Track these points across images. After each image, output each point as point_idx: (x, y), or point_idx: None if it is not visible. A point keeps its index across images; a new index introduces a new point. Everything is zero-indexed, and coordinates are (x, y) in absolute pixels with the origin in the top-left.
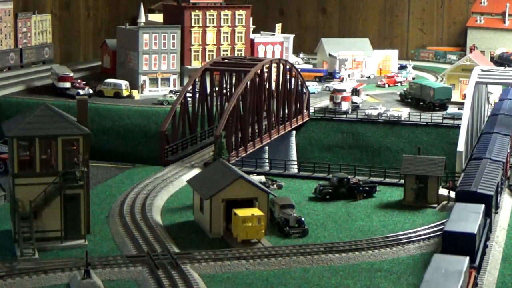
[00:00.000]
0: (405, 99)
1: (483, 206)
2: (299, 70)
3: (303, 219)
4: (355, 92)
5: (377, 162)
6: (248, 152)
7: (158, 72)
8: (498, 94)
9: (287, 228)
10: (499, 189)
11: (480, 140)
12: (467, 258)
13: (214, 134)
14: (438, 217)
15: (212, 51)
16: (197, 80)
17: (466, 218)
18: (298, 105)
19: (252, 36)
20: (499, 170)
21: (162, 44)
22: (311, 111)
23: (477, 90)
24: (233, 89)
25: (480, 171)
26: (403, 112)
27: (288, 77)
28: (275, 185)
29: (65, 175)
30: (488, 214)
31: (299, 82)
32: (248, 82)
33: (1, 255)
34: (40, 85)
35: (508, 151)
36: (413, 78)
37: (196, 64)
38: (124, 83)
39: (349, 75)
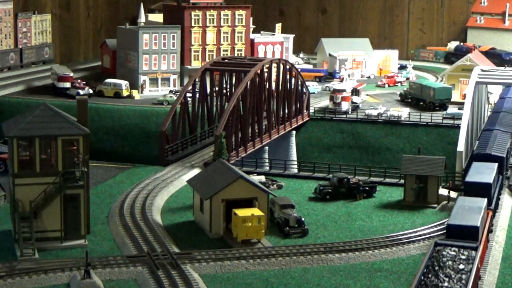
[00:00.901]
0: (405, 99)
1: (496, 164)
2: (299, 70)
3: (303, 219)
4: (355, 92)
5: (377, 162)
6: (248, 152)
7: (158, 72)
8: (498, 94)
9: (287, 228)
10: (509, 154)
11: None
12: (485, 200)
13: (214, 134)
14: (438, 217)
15: (212, 51)
16: (197, 80)
17: (484, 172)
18: (298, 105)
19: (252, 36)
20: (508, 138)
21: (162, 44)
22: (311, 111)
23: (477, 90)
24: (233, 89)
25: (492, 139)
26: (403, 112)
27: (288, 77)
28: (275, 185)
29: (65, 175)
30: (500, 171)
31: (299, 82)
32: (248, 82)
33: (1, 255)
34: (40, 85)
35: (509, 146)
36: (413, 78)
37: (196, 64)
38: (124, 83)
39: (349, 75)
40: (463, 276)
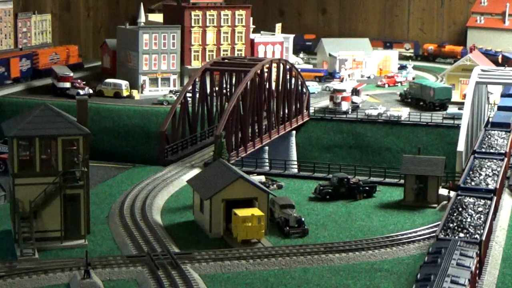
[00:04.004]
0: (405, 99)
1: None
2: (299, 70)
3: (303, 219)
4: (355, 92)
5: (377, 162)
6: (248, 152)
7: (158, 72)
8: (498, 94)
9: (287, 228)
10: None
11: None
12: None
13: (214, 134)
14: (438, 217)
15: (212, 51)
16: (197, 80)
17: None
18: (298, 105)
19: (252, 36)
20: None
21: (162, 44)
22: (311, 111)
23: (477, 90)
24: (233, 89)
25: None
26: (403, 112)
27: (288, 77)
28: (275, 185)
29: (65, 175)
30: None
31: (299, 82)
32: (248, 82)
33: (1, 255)
34: (40, 85)
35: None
36: (413, 78)
37: (196, 64)
38: (124, 83)
39: (349, 75)
40: (482, 216)
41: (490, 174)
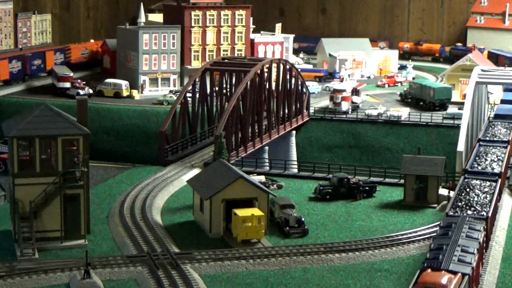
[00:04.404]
0: (405, 99)
1: None
2: (299, 70)
3: (303, 219)
4: (355, 92)
5: (377, 162)
6: (248, 152)
7: (158, 72)
8: (498, 94)
9: (287, 228)
10: None
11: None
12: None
13: (214, 134)
14: (438, 217)
15: (212, 51)
16: (197, 80)
17: None
18: (298, 105)
19: (252, 36)
20: None
21: (162, 44)
22: (311, 111)
23: (477, 90)
24: (233, 89)
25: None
26: (403, 112)
27: (288, 77)
28: (275, 185)
29: (65, 175)
30: None
31: (299, 82)
32: (248, 82)
33: (1, 255)
34: (40, 85)
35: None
36: (413, 78)
37: (196, 64)
38: (124, 83)
39: (349, 75)
40: (488, 196)
41: (495, 160)
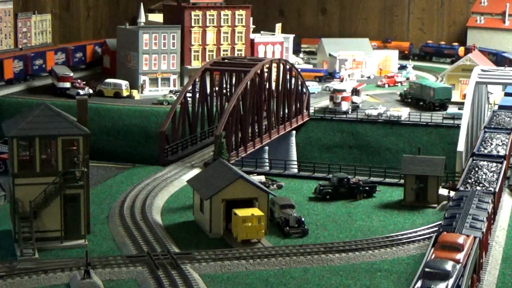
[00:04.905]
0: (405, 99)
1: None
2: (299, 70)
3: (303, 219)
4: (355, 92)
5: (377, 162)
6: (248, 152)
7: (158, 72)
8: (498, 94)
9: (287, 228)
10: None
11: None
12: None
13: (214, 134)
14: (438, 217)
15: (212, 51)
16: (197, 80)
17: None
18: (298, 105)
19: (252, 36)
20: None
21: (162, 44)
22: (311, 111)
23: (477, 90)
24: (233, 89)
25: None
26: (403, 112)
27: (288, 77)
28: (275, 185)
29: (65, 175)
30: None
31: (299, 82)
32: (248, 82)
33: (1, 255)
34: (40, 85)
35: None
36: (413, 78)
37: (196, 64)
38: (124, 83)
39: (349, 75)
40: (495, 174)
41: (500, 144)
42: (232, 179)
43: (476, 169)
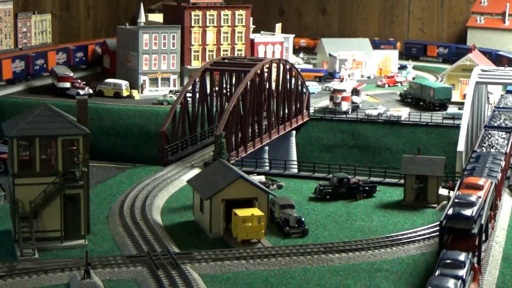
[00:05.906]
0: (405, 99)
1: None
2: (299, 70)
3: (303, 219)
4: (355, 92)
5: (377, 162)
6: (248, 152)
7: (158, 72)
8: (498, 94)
9: (287, 228)
10: None
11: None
12: None
13: (214, 134)
14: (438, 217)
15: (212, 51)
16: (197, 80)
17: None
18: (298, 105)
19: (252, 36)
20: None
21: (162, 44)
22: (311, 111)
23: (477, 90)
24: (233, 89)
25: None
26: (403, 112)
27: (288, 77)
28: (275, 185)
29: (65, 175)
30: None
31: (299, 82)
32: (248, 82)
33: (1, 255)
34: (40, 85)
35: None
36: (413, 78)
37: (196, 64)
38: (124, 83)
39: (349, 75)
40: (506, 140)
41: (508, 119)
42: (232, 179)
43: (489, 136)
